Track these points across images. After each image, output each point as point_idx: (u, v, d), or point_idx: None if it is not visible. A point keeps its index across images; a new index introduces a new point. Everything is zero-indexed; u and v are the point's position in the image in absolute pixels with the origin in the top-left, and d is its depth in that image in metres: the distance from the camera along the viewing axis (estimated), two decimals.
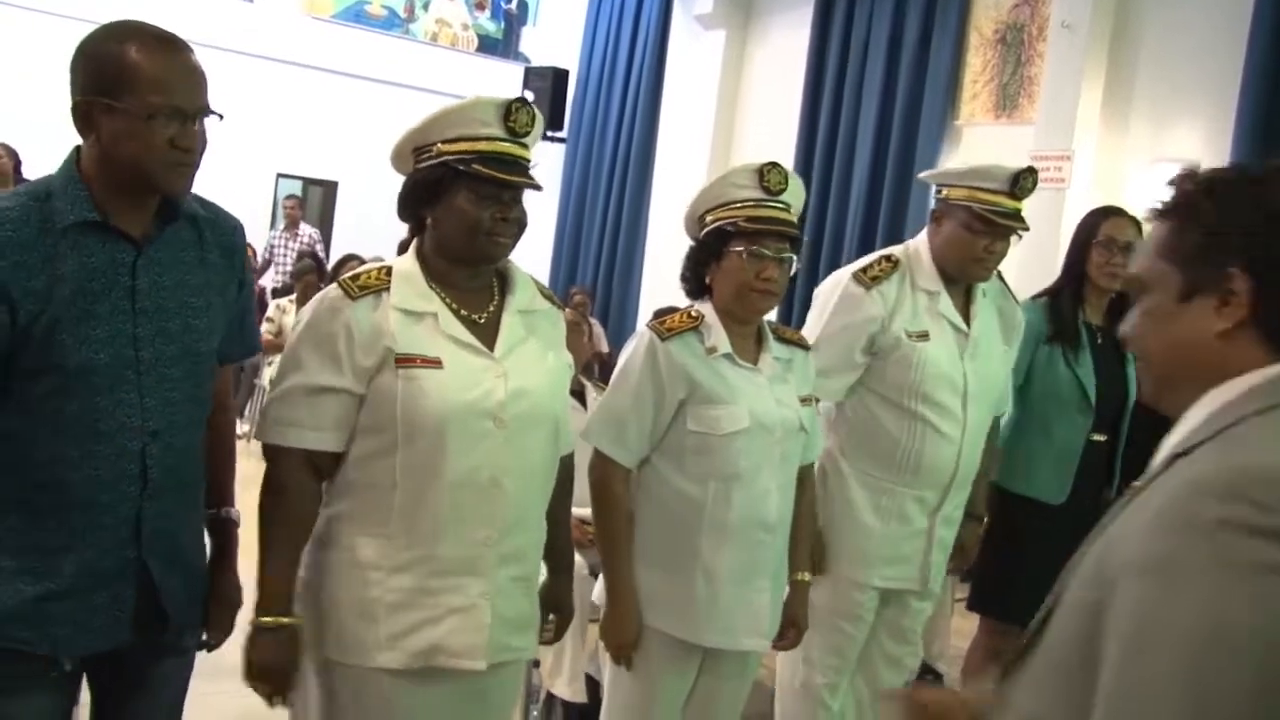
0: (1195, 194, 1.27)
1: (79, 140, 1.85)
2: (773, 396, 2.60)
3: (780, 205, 2.58)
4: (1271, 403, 1.17)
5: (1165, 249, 1.29)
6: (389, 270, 2.15)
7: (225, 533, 2.17)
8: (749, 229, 2.54)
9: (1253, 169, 1.28)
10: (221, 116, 1.87)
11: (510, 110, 2.11)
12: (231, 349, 2.13)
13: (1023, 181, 2.98)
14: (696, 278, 2.66)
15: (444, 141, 2.11)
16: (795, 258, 2.59)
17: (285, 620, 2.07)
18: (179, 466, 1.97)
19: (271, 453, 2.14)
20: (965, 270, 3.05)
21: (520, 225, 2.16)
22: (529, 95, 9.78)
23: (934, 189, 3.17)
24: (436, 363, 2.08)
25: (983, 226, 3.00)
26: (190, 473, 2.02)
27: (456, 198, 2.11)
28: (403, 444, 2.06)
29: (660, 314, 2.68)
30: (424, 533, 2.08)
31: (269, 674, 2.09)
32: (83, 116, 1.81)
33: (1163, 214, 1.31)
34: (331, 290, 2.15)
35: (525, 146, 2.15)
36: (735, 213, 2.57)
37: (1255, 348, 1.22)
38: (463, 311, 2.16)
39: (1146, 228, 3.65)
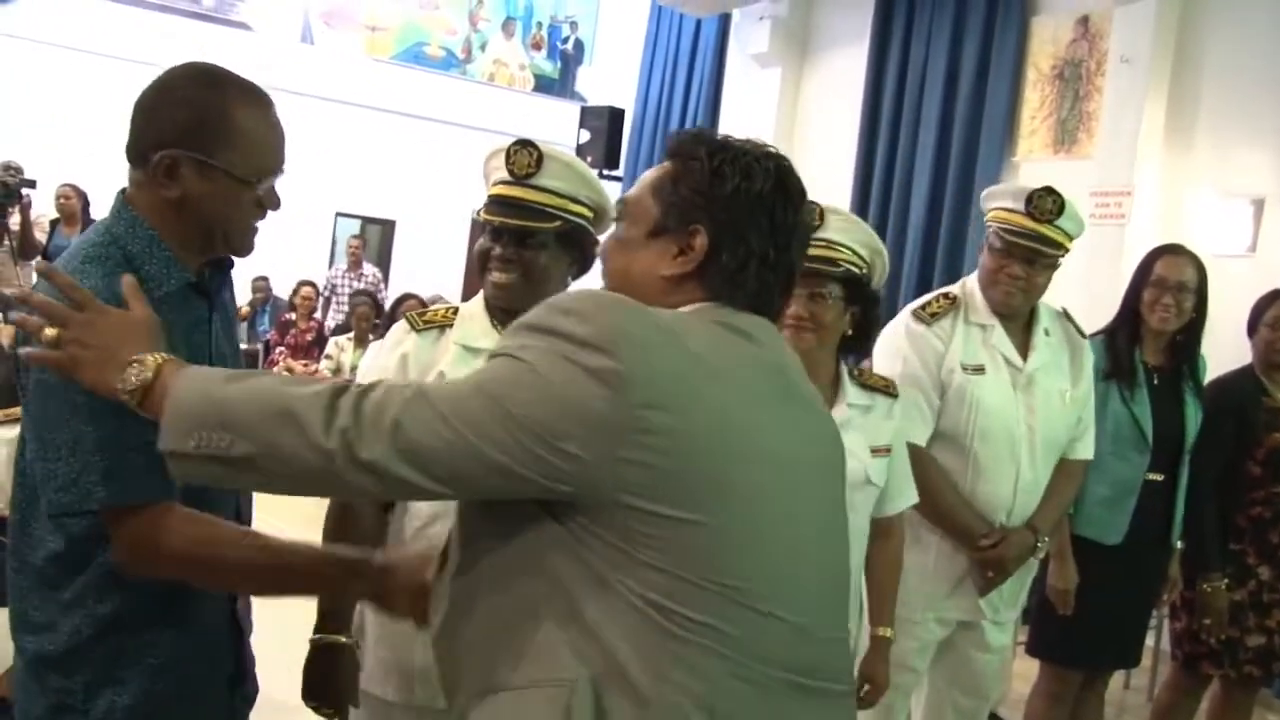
0: (698, 153, 1.46)
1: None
2: None
3: (816, 242, 2.51)
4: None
5: (656, 187, 1.48)
6: (456, 310, 2.24)
7: None
8: None
9: (748, 147, 1.47)
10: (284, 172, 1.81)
11: (509, 154, 2.17)
12: None
13: (1038, 201, 2.90)
14: None
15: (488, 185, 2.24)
16: (831, 290, 2.50)
17: (339, 639, 2.08)
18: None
19: None
20: (991, 297, 3.00)
21: (527, 266, 2.15)
22: (585, 135, 9.89)
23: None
24: None
25: (998, 245, 2.96)
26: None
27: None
28: None
29: None
30: None
31: (322, 692, 2.09)
32: (167, 169, 1.64)
33: (669, 155, 1.50)
34: (399, 324, 2.23)
35: (532, 188, 2.14)
36: None
37: (697, 291, 1.45)
38: None
39: (1208, 265, 3.60)
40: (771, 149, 1.51)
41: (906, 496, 2.73)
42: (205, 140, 1.64)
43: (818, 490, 1.48)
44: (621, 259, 1.51)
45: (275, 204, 1.75)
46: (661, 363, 1.31)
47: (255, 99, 1.70)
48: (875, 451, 2.60)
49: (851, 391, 2.61)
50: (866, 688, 2.66)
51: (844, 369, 2.64)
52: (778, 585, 1.36)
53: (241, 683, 1.89)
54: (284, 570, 1.63)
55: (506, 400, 1.28)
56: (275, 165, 1.73)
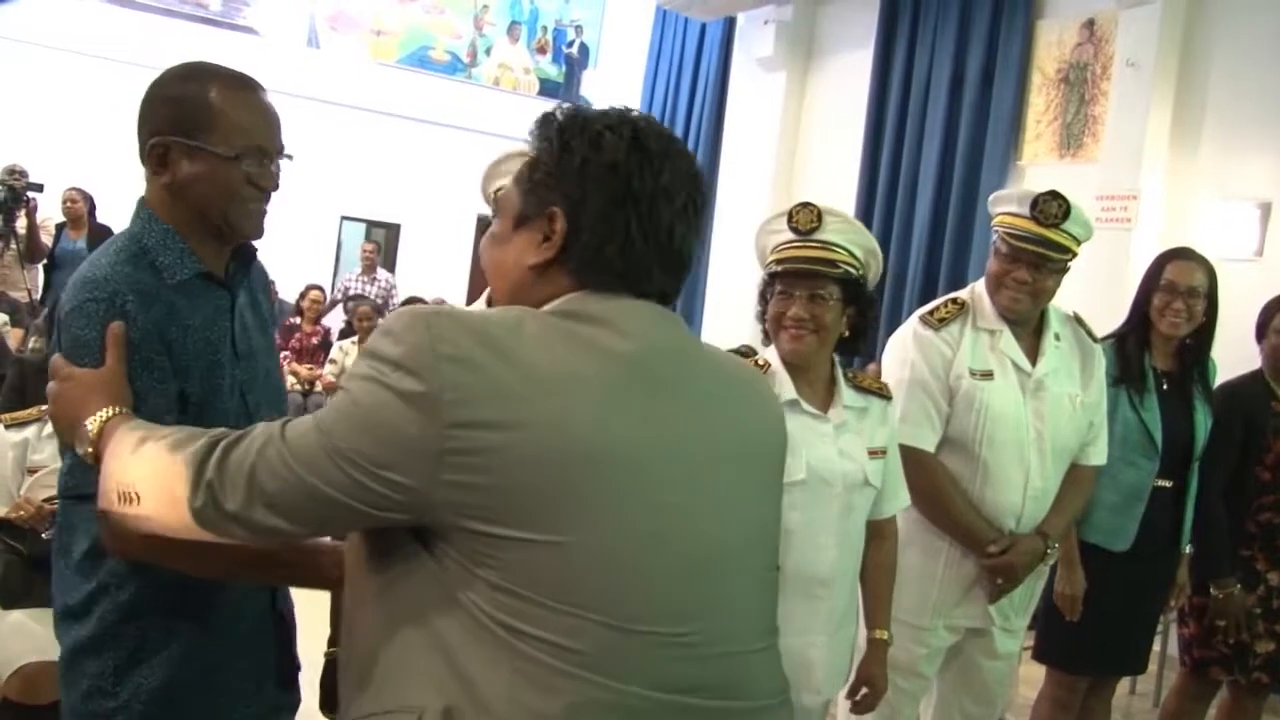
0: (549, 132, 1.39)
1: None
2: (836, 447, 2.53)
3: (813, 244, 2.53)
4: (547, 309, 1.34)
5: (517, 176, 1.41)
6: None
7: None
8: (776, 270, 2.56)
9: (601, 116, 1.39)
10: (291, 157, 1.85)
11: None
12: None
13: (1044, 205, 2.88)
14: (762, 325, 2.65)
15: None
16: (830, 291, 2.51)
17: None
18: None
19: None
20: (998, 302, 2.99)
21: None
22: None
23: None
24: None
25: (1005, 249, 2.96)
26: None
27: None
28: None
29: None
30: None
31: (338, 703, 2.08)
32: (159, 158, 1.74)
33: (531, 140, 1.42)
34: None
35: None
36: (771, 257, 2.60)
37: (565, 279, 1.36)
38: None
39: (1217, 269, 3.57)
40: (632, 112, 1.42)
41: (900, 499, 2.72)
42: (188, 125, 1.73)
43: (714, 484, 1.37)
44: (494, 254, 1.44)
45: (270, 184, 1.80)
46: (479, 379, 1.24)
47: (236, 83, 1.78)
48: (872, 454, 2.60)
49: (847, 394, 2.61)
50: (864, 691, 2.65)
51: (839, 371, 2.64)
52: (647, 599, 1.28)
53: (287, 686, 1.91)
54: (254, 556, 1.66)
55: (334, 435, 1.27)
56: (261, 142, 1.77)
